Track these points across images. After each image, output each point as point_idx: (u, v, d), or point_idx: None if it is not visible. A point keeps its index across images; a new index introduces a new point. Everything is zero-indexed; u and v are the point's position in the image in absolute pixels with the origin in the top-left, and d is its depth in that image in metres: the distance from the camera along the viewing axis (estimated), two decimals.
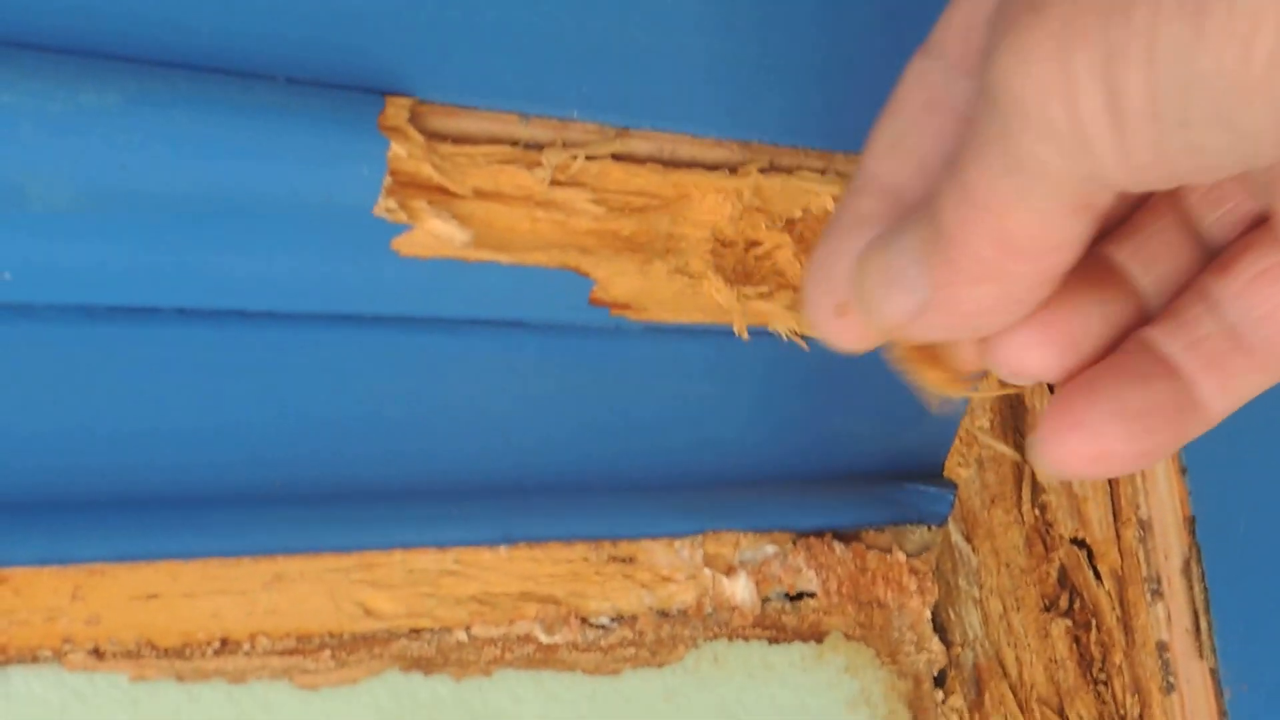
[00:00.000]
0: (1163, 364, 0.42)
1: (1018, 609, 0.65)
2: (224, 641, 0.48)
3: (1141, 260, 0.45)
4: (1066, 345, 0.43)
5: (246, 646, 0.48)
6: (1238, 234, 0.43)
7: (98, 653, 0.46)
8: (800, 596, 0.59)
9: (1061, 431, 0.42)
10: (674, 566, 0.55)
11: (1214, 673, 0.63)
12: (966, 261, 0.38)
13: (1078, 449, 0.41)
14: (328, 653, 0.49)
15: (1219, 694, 0.63)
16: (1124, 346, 0.43)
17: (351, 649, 0.49)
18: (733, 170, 0.54)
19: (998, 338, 0.42)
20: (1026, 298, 0.40)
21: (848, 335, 0.42)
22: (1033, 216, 0.37)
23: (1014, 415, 0.65)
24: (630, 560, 0.55)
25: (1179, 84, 0.32)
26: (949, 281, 0.39)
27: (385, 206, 0.46)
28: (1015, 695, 0.64)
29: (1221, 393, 0.42)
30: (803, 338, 0.55)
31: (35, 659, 0.45)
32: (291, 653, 0.49)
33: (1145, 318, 0.45)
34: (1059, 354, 0.42)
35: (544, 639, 0.53)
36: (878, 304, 0.41)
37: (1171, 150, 0.33)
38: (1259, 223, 0.43)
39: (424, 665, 0.51)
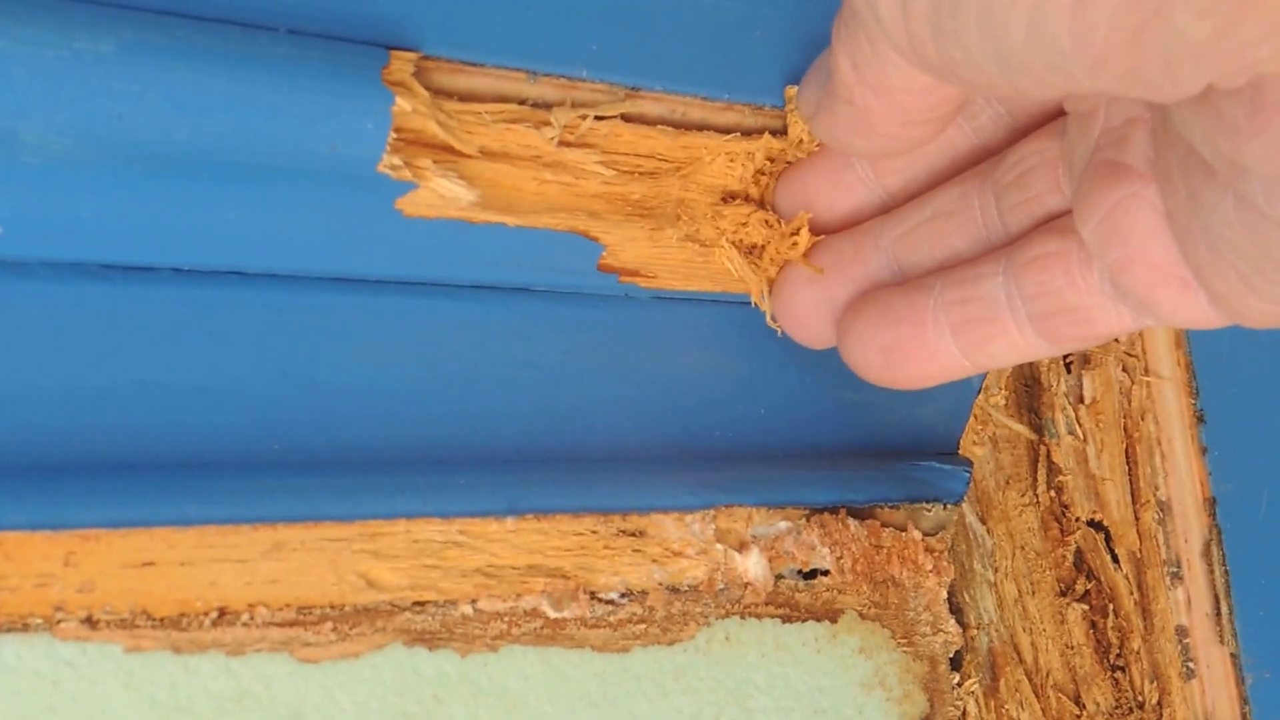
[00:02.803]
0: (922, 310, 0.49)
1: (1033, 593, 0.64)
2: (222, 611, 0.47)
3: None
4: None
5: (245, 617, 0.47)
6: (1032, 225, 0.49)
7: (91, 621, 0.45)
8: (814, 574, 0.58)
9: (843, 340, 0.51)
10: (685, 541, 0.54)
11: (1235, 658, 0.62)
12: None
13: (852, 360, 0.51)
14: (329, 625, 0.48)
15: (1240, 680, 0.62)
16: (912, 285, 0.50)
17: (353, 621, 0.48)
18: (745, 134, 0.53)
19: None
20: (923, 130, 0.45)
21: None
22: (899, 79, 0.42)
23: (1029, 394, 0.64)
24: (640, 534, 0.54)
25: None
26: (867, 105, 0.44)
27: (389, 164, 0.45)
28: (1030, 681, 0.63)
29: (973, 351, 0.49)
30: None
31: (26, 627, 0.44)
32: (291, 624, 0.47)
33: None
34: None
35: (551, 614, 0.52)
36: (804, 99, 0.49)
37: (947, 47, 0.37)
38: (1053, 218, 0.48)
39: (428, 640, 0.50)
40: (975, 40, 0.35)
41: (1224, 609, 0.62)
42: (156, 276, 0.46)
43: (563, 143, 0.49)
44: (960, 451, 0.64)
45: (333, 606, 0.48)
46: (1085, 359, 0.63)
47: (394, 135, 0.45)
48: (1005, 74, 0.36)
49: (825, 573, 0.58)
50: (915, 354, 0.49)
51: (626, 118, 0.51)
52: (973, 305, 0.48)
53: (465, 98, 0.48)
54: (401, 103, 0.45)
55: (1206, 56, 0.31)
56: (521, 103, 0.49)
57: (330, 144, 0.44)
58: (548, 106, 0.49)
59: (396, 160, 0.45)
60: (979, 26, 0.35)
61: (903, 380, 0.50)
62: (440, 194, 0.47)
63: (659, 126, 0.51)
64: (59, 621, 0.44)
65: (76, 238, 0.43)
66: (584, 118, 0.49)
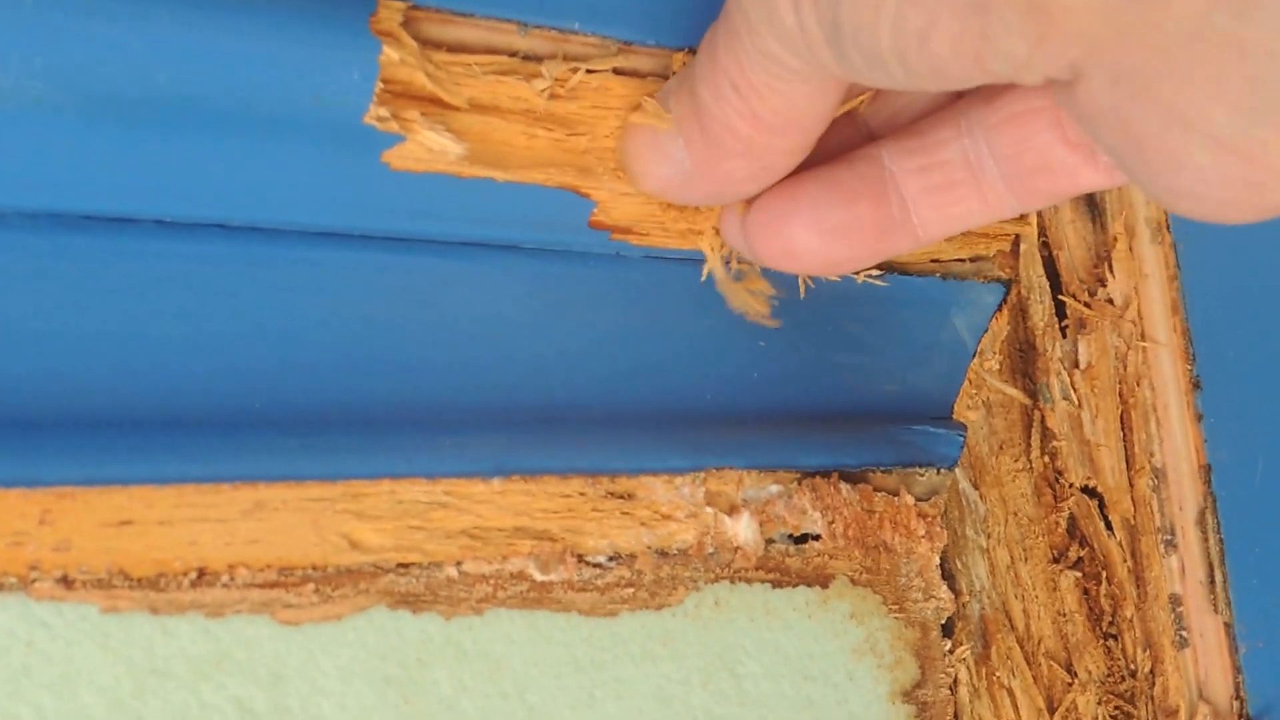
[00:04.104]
0: (878, 183, 0.47)
1: (1025, 560, 0.63)
2: (201, 572, 0.46)
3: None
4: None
5: (225, 578, 0.46)
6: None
7: (66, 581, 0.44)
8: (805, 538, 0.57)
9: (759, 227, 0.48)
10: (674, 504, 0.54)
11: (1229, 627, 0.62)
12: (725, 137, 0.45)
13: (771, 245, 0.48)
14: (311, 586, 0.47)
15: (1234, 649, 0.62)
16: (850, 157, 0.48)
17: (336, 583, 0.48)
18: None
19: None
20: (779, 166, 0.46)
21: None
22: (780, 100, 0.43)
23: (1023, 359, 0.63)
24: (629, 496, 0.53)
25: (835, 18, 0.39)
26: (708, 157, 0.46)
27: (376, 115, 0.44)
28: (1022, 649, 0.63)
29: (936, 219, 0.47)
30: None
31: (0, 587, 0.43)
32: (272, 585, 0.47)
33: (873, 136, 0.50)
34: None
35: (538, 577, 0.51)
36: (643, 172, 0.48)
37: (858, 64, 0.40)
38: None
39: (412, 602, 0.49)
40: (865, 61, 0.39)
41: (1218, 577, 0.61)
42: (136, 228, 0.45)
43: (554, 96, 0.48)
44: (954, 416, 0.63)
45: (315, 568, 0.48)
46: (1081, 324, 0.62)
47: (381, 86, 0.44)
48: (902, 79, 0.40)
49: (816, 537, 0.58)
50: (869, 231, 0.48)
51: (619, 71, 0.50)
52: (934, 171, 0.47)
53: (454, 49, 0.47)
54: (389, 52, 0.44)
55: (1034, 64, 0.37)
56: (512, 55, 0.48)
57: (315, 93, 0.43)
58: (538, 59, 0.48)
59: (383, 112, 0.44)
60: (858, 50, 0.39)
61: (853, 262, 0.49)
62: (428, 147, 0.46)
63: (651, 80, 0.50)
64: (34, 581, 0.43)
65: (54, 187, 0.42)
66: (575, 71, 0.48)
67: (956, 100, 0.47)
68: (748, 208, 0.48)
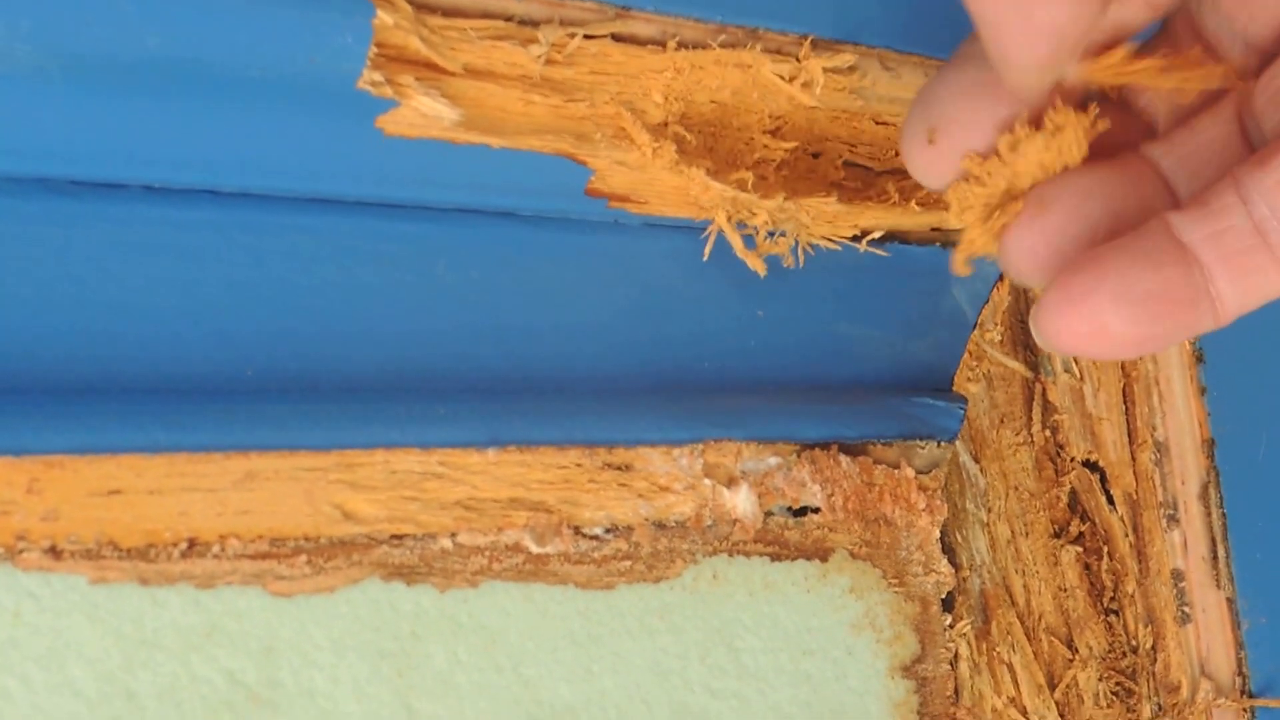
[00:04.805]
0: (1180, 251, 0.42)
1: (1026, 534, 0.63)
2: (191, 543, 0.45)
3: (1180, 154, 0.45)
4: (1069, 231, 0.44)
5: (216, 549, 0.46)
6: None
7: (55, 551, 0.43)
8: (804, 511, 0.57)
9: (1062, 305, 0.42)
10: (672, 476, 0.53)
11: (1231, 603, 0.61)
12: None
13: (1075, 325, 0.42)
14: (303, 558, 0.47)
15: (1236, 625, 0.61)
16: (1144, 229, 0.43)
17: (329, 554, 0.47)
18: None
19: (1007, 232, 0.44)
20: None
21: (934, 166, 0.43)
22: None
23: (1024, 331, 0.63)
24: (626, 468, 0.53)
25: None
26: None
27: (370, 79, 0.44)
28: (1023, 624, 0.62)
29: (1237, 290, 0.43)
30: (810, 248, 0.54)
31: None
32: (264, 556, 0.46)
33: (1169, 203, 0.45)
34: (1057, 237, 0.44)
35: (534, 549, 0.51)
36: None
37: None
38: None
39: (406, 574, 0.48)
40: None
41: (1221, 552, 0.61)
42: (126, 194, 0.44)
43: (550, 62, 0.48)
44: (954, 388, 0.63)
45: (307, 539, 0.47)
46: None
47: (375, 50, 0.43)
48: None
49: (816, 510, 0.57)
50: (1180, 299, 0.43)
51: (617, 37, 0.49)
52: (1227, 238, 0.42)
53: (449, 13, 0.46)
54: (383, 16, 0.43)
55: None
56: (508, 19, 0.47)
57: (308, 57, 0.43)
58: (535, 24, 0.48)
59: (377, 76, 0.44)
60: None
61: (1161, 338, 0.43)
62: (422, 112, 0.46)
63: (649, 47, 0.50)
64: (21, 551, 0.43)
65: (43, 152, 0.42)
66: (572, 36, 0.48)
67: (1231, 170, 0.45)
68: (1041, 293, 0.46)
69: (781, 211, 0.53)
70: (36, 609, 0.43)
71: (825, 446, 0.57)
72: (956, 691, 0.62)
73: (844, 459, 0.57)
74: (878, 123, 0.56)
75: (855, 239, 0.55)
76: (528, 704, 0.51)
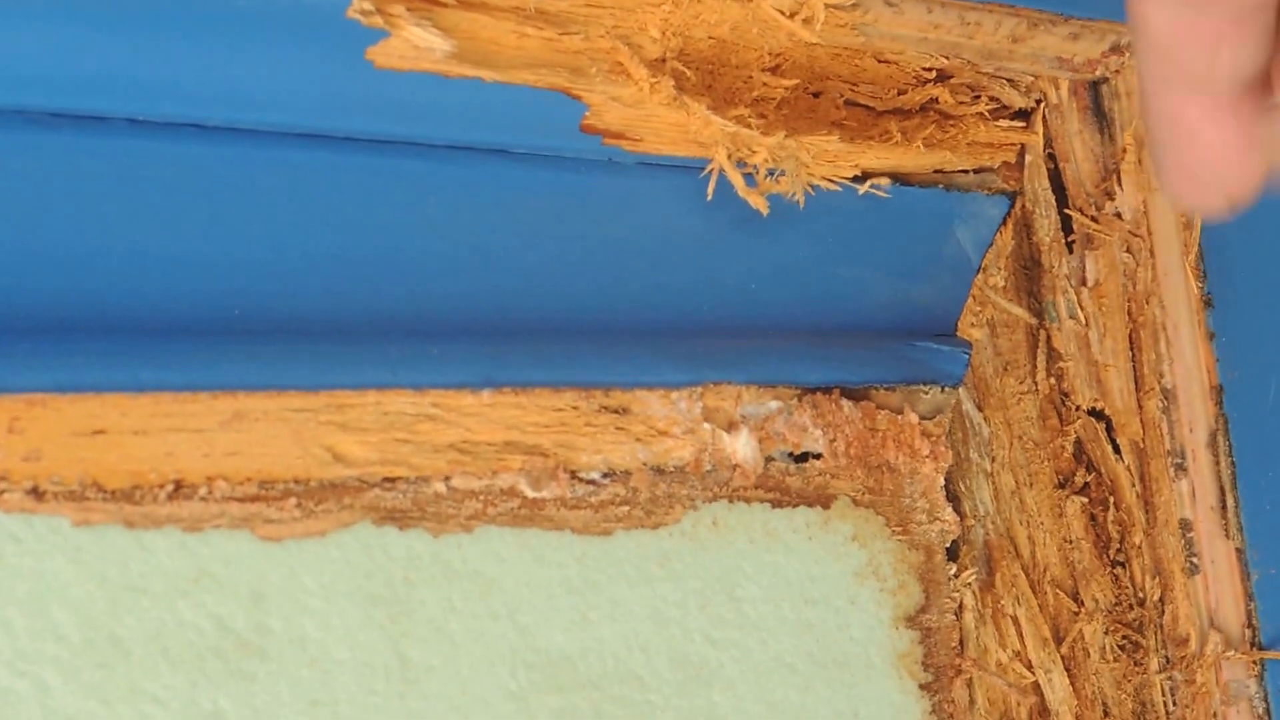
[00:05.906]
0: None
1: (1031, 485, 0.62)
2: (178, 484, 0.45)
3: None
4: None
5: (203, 491, 0.45)
6: None
7: (37, 492, 0.43)
8: (805, 457, 0.56)
9: None
10: (671, 420, 0.53)
11: (1240, 553, 0.60)
12: None
13: None
14: (293, 501, 0.46)
15: (1245, 576, 0.60)
16: None
17: (319, 498, 0.47)
18: None
19: None
20: None
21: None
22: None
23: (1028, 276, 0.62)
24: (624, 411, 0.52)
25: None
26: None
27: (360, 8, 0.43)
28: (1027, 577, 0.62)
29: None
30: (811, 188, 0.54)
31: None
32: (253, 499, 0.46)
33: None
34: None
35: (529, 493, 0.50)
36: None
37: None
38: None
39: (398, 518, 0.48)
40: None
41: (1230, 502, 0.60)
42: (109, 127, 0.43)
43: None
44: (958, 334, 0.62)
45: (297, 481, 0.46)
46: (1089, 239, 0.60)
47: None
48: None
49: (817, 456, 0.57)
50: None
51: None
52: None
53: None
54: None
55: None
56: None
57: None
58: None
59: (367, 5, 0.43)
60: None
61: None
62: (414, 44, 0.45)
63: None
64: (2, 492, 0.42)
65: (20, 83, 0.41)
66: None
67: None
68: None
69: (782, 149, 0.52)
70: (19, 551, 0.42)
71: (827, 391, 0.57)
72: (961, 643, 0.61)
73: (846, 403, 0.57)
74: (880, 60, 0.55)
75: (857, 180, 0.55)
76: (523, 652, 0.50)
